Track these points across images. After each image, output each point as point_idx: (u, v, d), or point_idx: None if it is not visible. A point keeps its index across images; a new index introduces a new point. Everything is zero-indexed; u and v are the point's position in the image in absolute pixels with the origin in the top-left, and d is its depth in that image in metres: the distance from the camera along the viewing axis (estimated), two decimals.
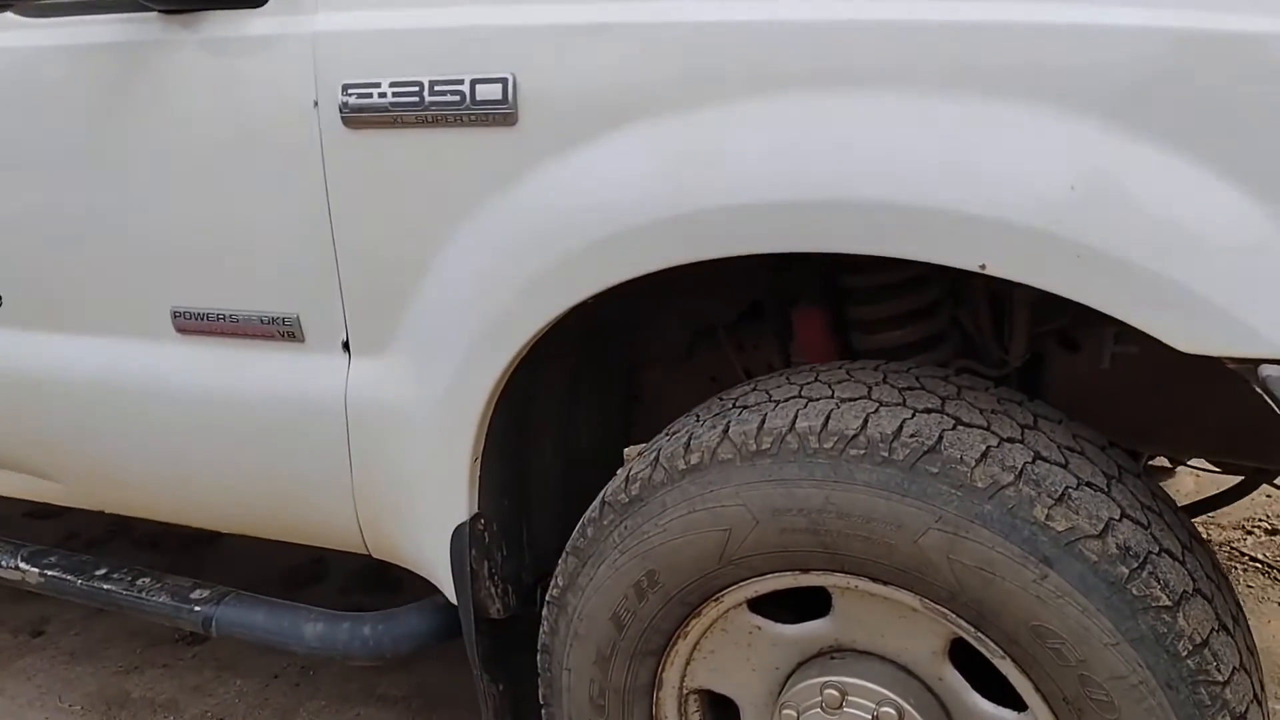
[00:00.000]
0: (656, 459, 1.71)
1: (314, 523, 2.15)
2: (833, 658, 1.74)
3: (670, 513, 1.67)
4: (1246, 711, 1.46)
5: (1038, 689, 1.53)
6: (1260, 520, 3.39)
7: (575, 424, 2.22)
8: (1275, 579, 3.02)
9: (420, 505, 1.93)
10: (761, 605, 1.75)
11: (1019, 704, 1.61)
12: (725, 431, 1.65)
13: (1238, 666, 1.48)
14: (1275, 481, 2.08)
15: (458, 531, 1.89)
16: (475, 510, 1.90)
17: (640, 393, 2.43)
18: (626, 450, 2.50)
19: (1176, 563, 1.50)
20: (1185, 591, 1.47)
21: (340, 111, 1.77)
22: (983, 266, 1.39)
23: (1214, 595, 1.53)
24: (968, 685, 1.65)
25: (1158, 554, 1.48)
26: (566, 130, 1.61)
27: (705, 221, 1.50)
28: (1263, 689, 1.54)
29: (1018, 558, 1.46)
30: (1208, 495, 2.23)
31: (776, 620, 1.76)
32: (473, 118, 1.67)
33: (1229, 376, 1.90)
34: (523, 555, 2.07)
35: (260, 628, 2.29)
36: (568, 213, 1.63)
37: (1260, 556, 3.19)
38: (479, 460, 1.86)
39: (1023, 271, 1.38)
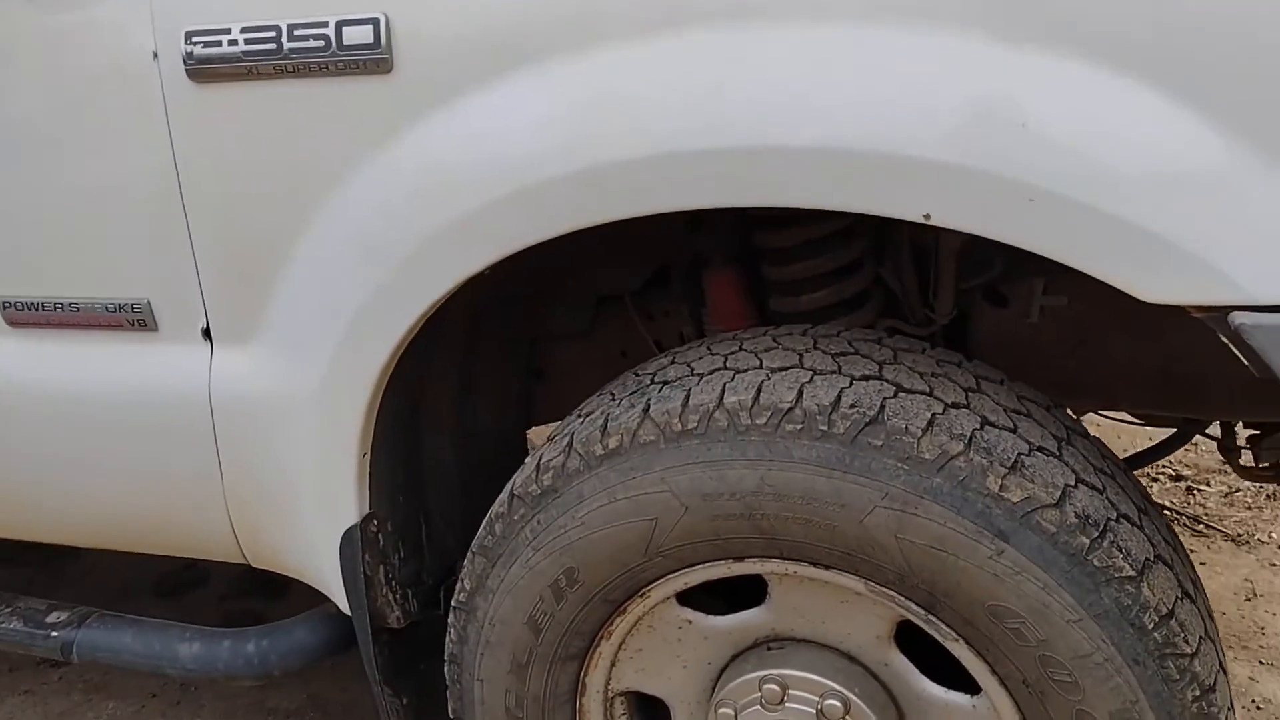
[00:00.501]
0: (570, 445, 1.53)
1: (183, 532, 1.92)
2: (770, 649, 1.60)
3: (588, 504, 1.50)
4: (1215, 683, 1.37)
5: (994, 671, 1.42)
6: (1165, 467, 3.40)
7: (472, 408, 2.03)
8: (1184, 525, 3.04)
9: (304, 508, 1.72)
10: (690, 597, 1.60)
11: (971, 686, 1.50)
12: (646, 411, 1.48)
13: (1203, 635, 1.39)
14: (1206, 431, 2.03)
15: (348, 535, 1.69)
16: (367, 510, 1.70)
17: (542, 370, 2.25)
18: (530, 432, 2.32)
19: (1135, 528, 1.40)
20: (1147, 559, 1.37)
21: (184, 63, 1.54)
22: (926, 217, 1.25)
23: (1173, 560, 1.44)
24: (915, 670, 1.54)
25: (1116, 520, 1.38)
26: (450, 76, 1.41)
27: (620, 176, 1.32)
28: (1223, 655, 1.46)
29: (971, 533, 1.34)
30: (1139, 450, 2.17)
31: (707, 612, 1.61)
32: (340, 65, 1.45)
33: (1163, 325, 1.83)
34: (422, 556, 1.88)
35: (128, 651, 2.04)
36: (457, 171, 1.43)
37: (1168, 504, 3.20)
38: (369, 455, 1.66)
39: (970, 220, 1.25)
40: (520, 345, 2.14)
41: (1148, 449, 2.15)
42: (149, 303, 1.71)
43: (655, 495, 1.46)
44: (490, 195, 1.40)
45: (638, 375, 1.62)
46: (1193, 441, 3.24)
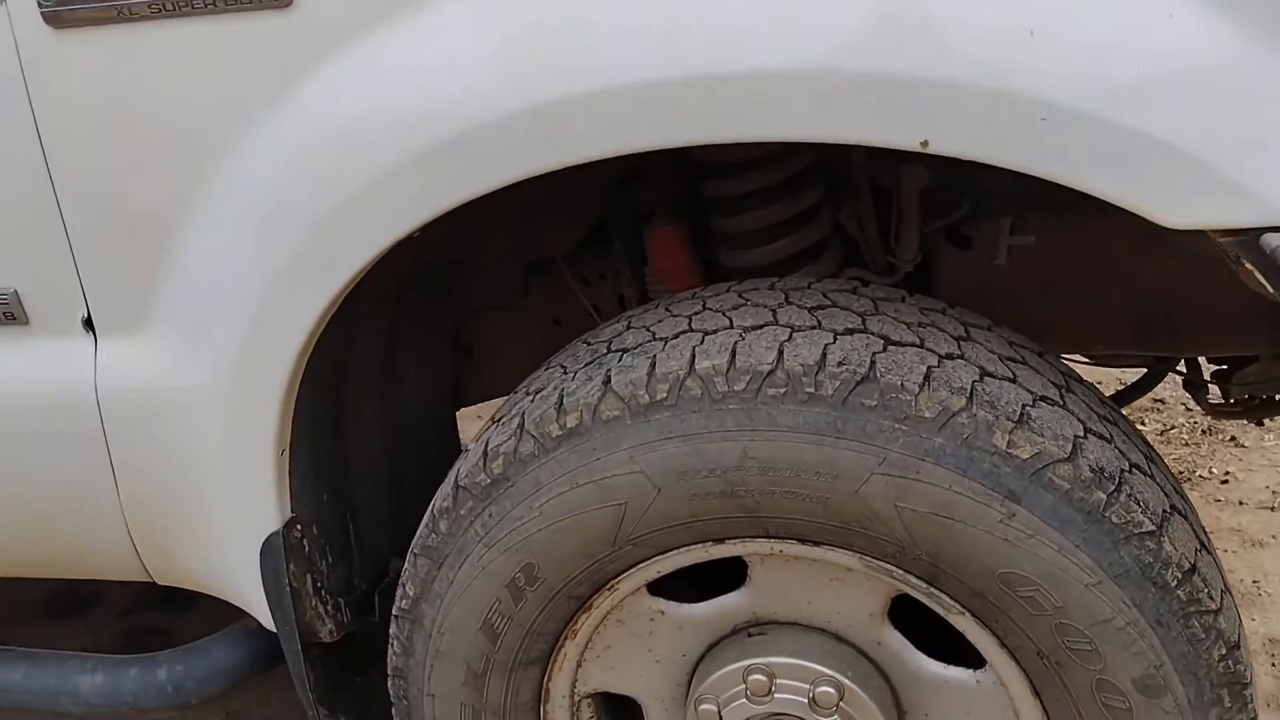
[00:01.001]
0: (521, 426, 1.36)
1: (76, 551, 1.69)
2: (750, 635, 1.46)
3: (546, 491, 1.33)
4: (1239, 639, 1.27)
5: (1003, 644, 1.31)
6: None
7: (398, 391, 1.83)
8: None
9: (215, 517, 1.51)
10: (661, 585, 1.45)
11: (974, 660, 1.38)
12: (606, 383, 1.32)
13: (1224, 588, 1.29)
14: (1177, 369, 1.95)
15: (269, 544, 1.49)
16: (289, 514, 1.50)
17: (470, 345, 2.06)
18: (459, 413, 2.13)
19: (1148, 478, 1.29)
20: (1164, 511, 1.26)
21: (39, 6, 1.30)
22: (924, 144, 1.11)
23: (1186, 510, 1.33)
24: (912, 647, 1.41)
25: (1129, 471, 1.27)
26: (364, 6, 1.21)
27: (573, 115, 1.15)
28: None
29: (980, 496, 1.21)
30: (1115, 392, 2.09)
31: (680, 599, 1.46)
32: (229, 1, 1.24)
33: (1137, 262, 1.73)
34: (352, 559, 1.68)
35: (19, 689, 1.80)
36: (378, 118, 1.24)
37: None
38: (287, 452, 1.45)
39: (973, 145, 1.11)
40: (445, 319, 1.95)
41: (1121, 391, 2.07)
42: (16, 292, 1.47)
43: (623, 477, 1.30)
44: (422, 143, 1.21)
45: (590, 344, 1.45)
46: (1120, 379, 3.22)
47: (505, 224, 1.80)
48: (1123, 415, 1.43)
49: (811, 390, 1.24)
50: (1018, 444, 1.21)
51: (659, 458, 1.28)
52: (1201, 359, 1.95)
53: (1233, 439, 3.05)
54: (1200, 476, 2.88)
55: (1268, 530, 2.62)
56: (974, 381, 1.25)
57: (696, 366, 1.28)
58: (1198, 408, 3.03)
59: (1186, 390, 1.98)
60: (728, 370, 1.27)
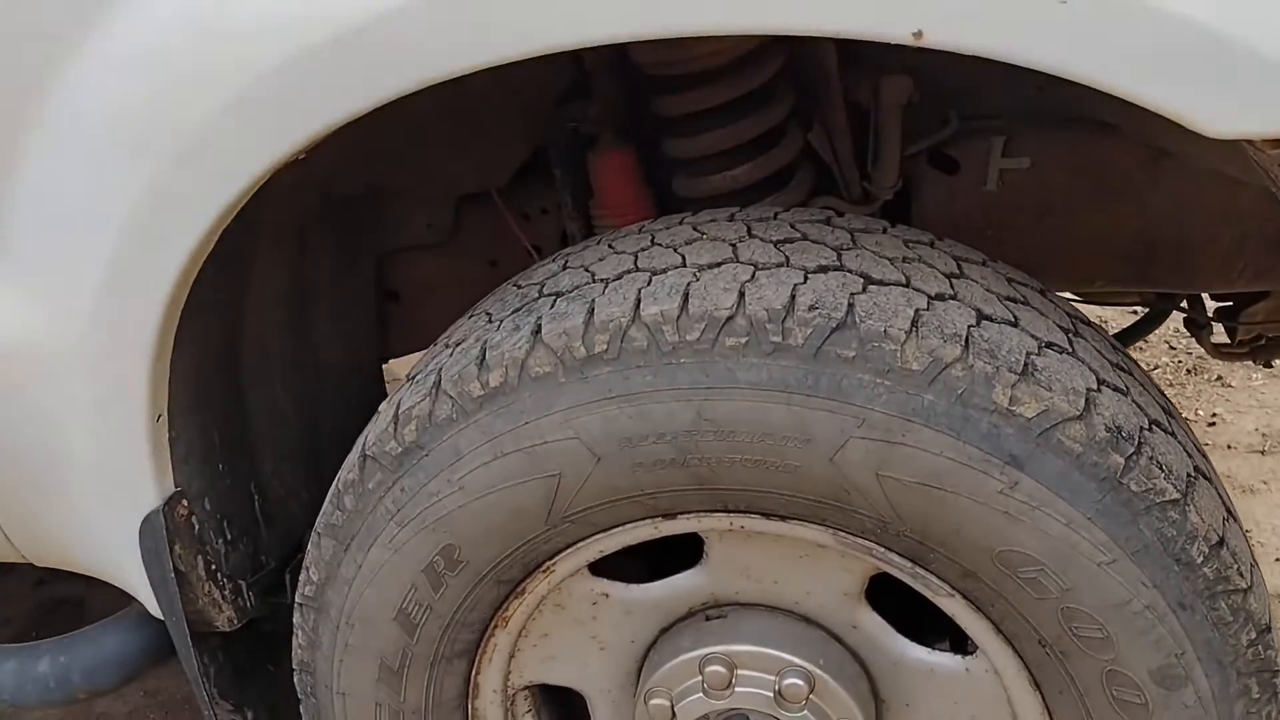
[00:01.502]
0: (438, 385, 1.15)
1: None
2: (708, 618, 1.27)
3: (467, 462, 1.13)
4: (1270, 621, 1.10)
5: (999, 630, 1.13)
6: None
7: (311, 342, 1.61)
8: None
9: (84, 492, 1.30)
10: (606, 562, 1.25)
11: (961, 642, 1.21)
12: (536, 333, 1.11)
13: (1253, 563, 1.12)
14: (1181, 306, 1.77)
15: (148, 523, 1.28)
16: (172, 489, 1.29)
17: (398, 290, 1.85)
18: (387, 366, 1.92)
19: (1169, 436, 1.11)
20: (1189, 475, 1.08)
21: None
22: (916, 35, 0.90)
23: (1209, 471, 1.15)
24: (891, 629, 1.23)
25: (1149, 429, 1.08)
26: None
27: (488, 3, 0.92)
28: None
29: (976, 462, 1.02)
30: (1117, 331, 1.91)
31: (627, 579, 1.27)
32: None
33: (1146, 186, 1.54)
34: (258, 535, 1.48)
35: None
36: (245, 12, 1.01)
37: None
38: (164, 417, 1.24)
39: (975, 35, 0.90)
40: (367, 260, 1.73)
41: (1119, 334, 1.89)
42: None
43: (557, 444, 1.10)
44: (303, 41, 0.98)
45: (520, 288, 1.24)
46: (1106, 320, 3.05)
47: (430, 152, 1.58)
48: (1136, 362, 1.24)
49: (778, 339, 1.04)
50: (1022, 400, 1.02)
51: (598, 421, 1.08)
52: (1205, 296, 1.77)
53: (1219, 379, 2.90)
54: (1186, 419, 2.72)
55: (1258, 475, 2.48)
56: (969, 326, 1.06)
57: (642, 313, 1.07)
58: (1182, 346, 2.88)
59: (1188, 330, 1.80)
60: (679, 317, 1.06)
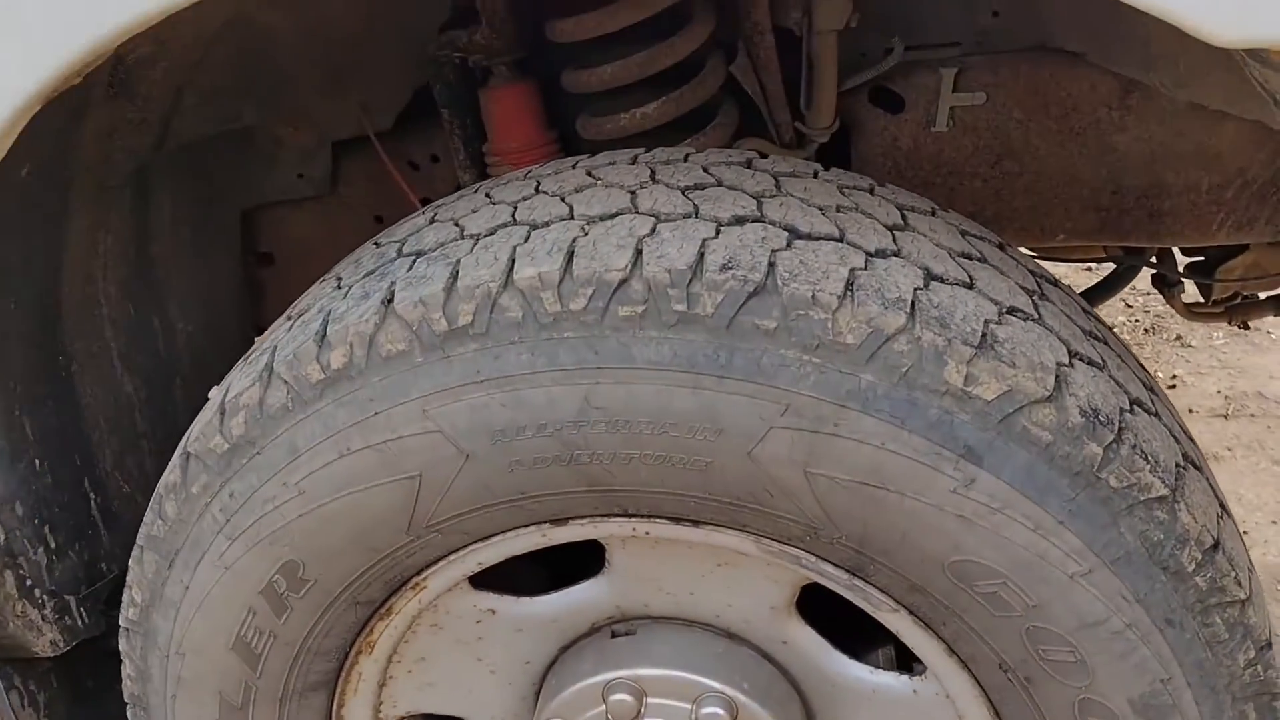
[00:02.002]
0: (269, 368, 0.94)
1: None
2: (615, 635, 1.08)
3: (307, 460, 0.92)
4: (1269, 638, 0.93)
5: (952, 651, 0.94)
6: None
7: (161, 314, 1.39)
8: None
9: None
10: (494, 572, 1.05)
11: (906, 658, 1.03)
12: (388, 303, 0.90)
13: (1250, 567, 0.94)
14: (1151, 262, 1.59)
15: None
16: None
17: (271, 251, 1.62)
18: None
19: (1153, 417, 0.93)
20: (1177, 465, 0.90)
21: None
22: None
23: (1199, 459, 0.98)
24: (827, 645, 1.05)
25: (1130, 410, 0.90)
26: None
27: None
28: None
29: (924, 455, 0.84)
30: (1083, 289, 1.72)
31: (518, 591, 1.08)
32: None
33: (1117, 125, 1.35)
34: (95, 539, 1.27)
35: None
36: None
37: None
38: None
39: None
40: (229, 216, 1.50)
41: (1084, 292, 1.71)
42: None
43: (415, 439, 0.89)
44: None
45: (379, 246, 1.03)
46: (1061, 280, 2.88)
47: (293, 89, 1.36)
48: (1110, 329, 1.06)
49: (682, 308, 0.84)
50: (979, 379, 0.83)
51: (464, 411, 0.88)
52: (1176, 251, 1.60)
53: (1179, 338, 2.75)
54: None
55: (1221, 441, 2.33)
56: (916, 289, 0.87)
57: (516, 276, 0.87)
58: (1139, 304, 2.73)
59: (1157, 288, 1.63)
60: (561, 281, 0.86)
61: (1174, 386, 2.59)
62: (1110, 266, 1.68)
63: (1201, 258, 1.58)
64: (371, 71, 1.39)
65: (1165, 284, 1.61)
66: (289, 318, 1.01)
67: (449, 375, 0.88)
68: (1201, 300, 1.57)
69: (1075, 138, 1.33)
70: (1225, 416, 2.43)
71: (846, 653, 1.05)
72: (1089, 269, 2.35)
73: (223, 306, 1.51)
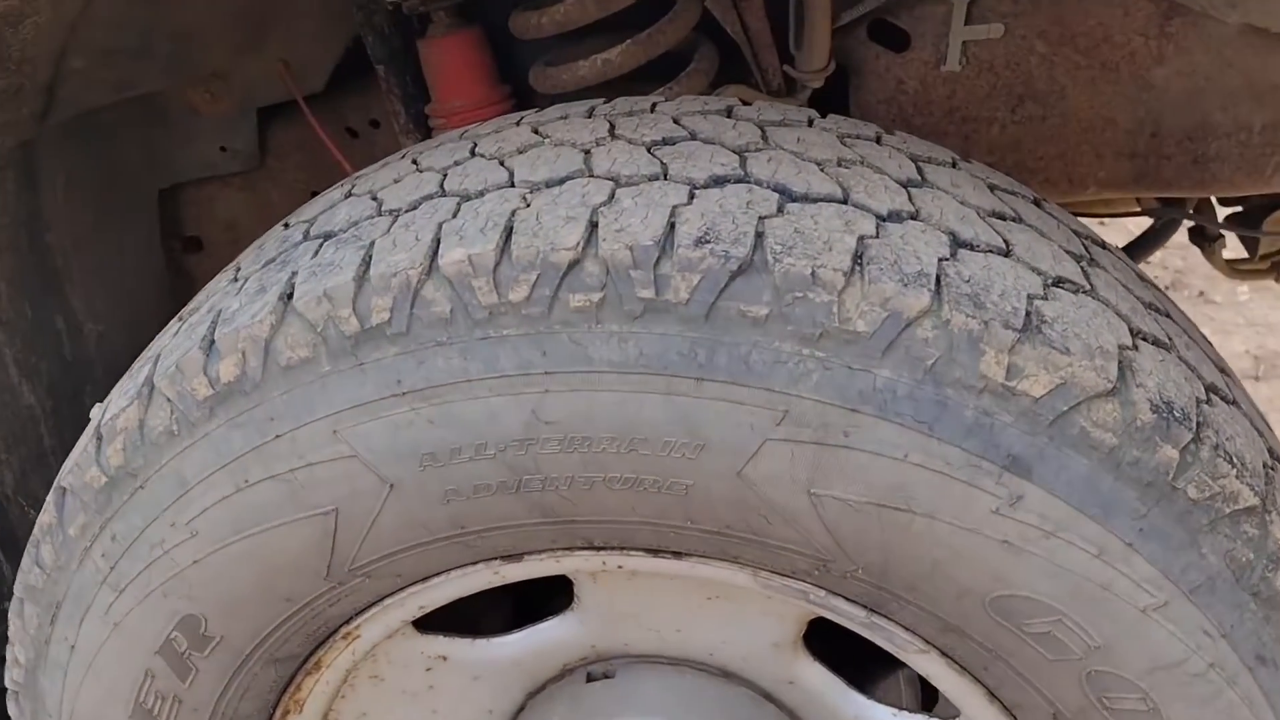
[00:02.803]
0: (150, 382, 0.77)
1: None
2: (590, 677, 0.91)
3: (199, 495, 0.75)
4: None
5: (994, 696, 0.78)
6: None
7: (64, 308, 1.21)
8: None
9: None
10: (445, 612, 0.88)
11: (926, 699, 0.87)
12: (287, 299, 0.73)
13: None
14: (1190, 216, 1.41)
15: None
16: None
17: (199, 234, 1.44)
18: None
19: (1231, 406, 0.76)
20: (1265, 465, 0.73)
21: None
22: None
23: None
24: (840, 683, 0.89)
25: (1207, 400, 0.73)
26: None
27: None
28: None
29: (959, 469, 0.67)
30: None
31: (476, 632, 0.91)
32: None
33: (1148, 55, 1.17)
34: None
35: None
36: None
37: None
38: None
39: None
40: (142, 197, 1.32)
41: (1124, 246, 1.52)
42: None
43: (326, 466, 0.72)
44: None
45: (288, 228, 0.85)
46: None
47: (205, 48, 1.18)
48: (1167, 296, 0.89)
49: (649, 294, 0.67)
50: (1025, 370, 0.66)
51: (384, 430, 0.71)
52: (1215, 201, 1.42)
53: (1201, 294, 2.57)
54: None
55: None
56: (941, 260, 0.69)
57: (441, 260, 0.69)
58: (1157, 259, 2.55)
59: (1194, 243, 1.46)
60: (497, 264, 0.68)
61: None
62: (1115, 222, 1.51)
63: (1240, 208, 1.41)
64: (294, 24, 1.21)
65: (1204, 238, 1.43)
66: (180, 318, 0.84)
67: (363, 387, 0.70)
68: (1246, 255, 1.40)
69: (1107, 73, 1.16)
70: (1256, 378, 2.26)
71: (864, 686, 0.89)
72: (1101, 224, 2.16)
73: (142, 301, 1.34)
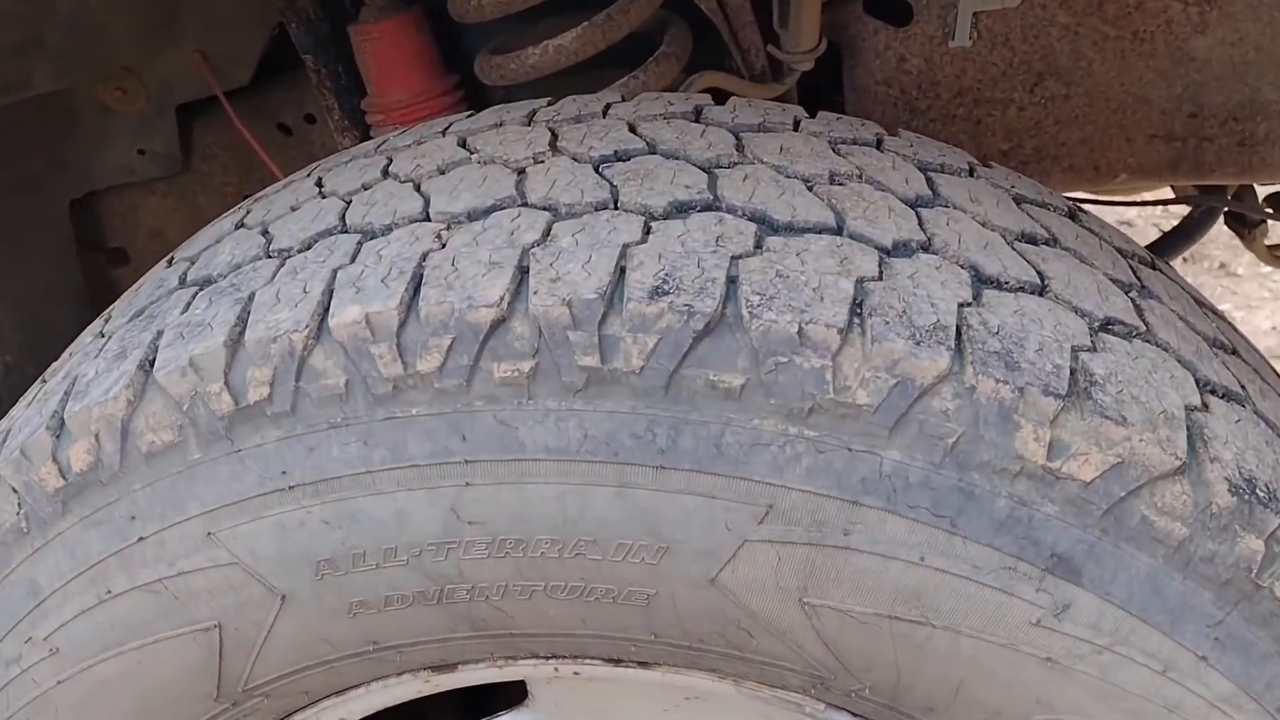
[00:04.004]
0: None
1: None
2: None
3: (56, 606, 0.62)
4: None
5: None
6: None
7: None
8: None
9: None
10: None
11: None
12: (148, 367, 0.58)
13: None
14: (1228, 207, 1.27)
15: None
16: None
17: (123, 245, 1.30)
18: None
19: None
20: None
21: None
22: None
23: None
24: None
25: None
26: None
27: None
28: None
29: (990, 573, 0.53)
30: (1149, 242, 1.40)
31: None
32: None
33: (1187, 26, 1.02)
34: None
35: None
36: None
37: None
38: None
39: None
40: (50, 209, 1.17)
41: (1154, 243, 1.37)
42: None
43: (201, 575, 0.59)
44: None
45: (170, 265, 0.71)
46: None
47: (108, 43, 1.03)
48: (1232, 323, 0.74)
49: (593, 361, 0.53)
50: (1071, 447, 0.52)
51: (269, 532, 0.57)
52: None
53: (1222, 266, 2.41)
54: None
55: None
56: (962, 305, 0.55)
57: (332, 320, 0.55)
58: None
59: (1231, 228, 1.31)
60: (402, 325, 0.54)
61: None
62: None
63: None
64: (210, 12, 1.06)
65: (1242, 223, 1.28)
66: (42, 380, 0.70)
67: (242, 480, 0.56)
68: None
69: (1140, 45, 1.01)
70: None
71: None
72: (1130, 225, 2.01)
73: (57, 323, 1.19)
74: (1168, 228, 1.46)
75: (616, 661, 0.63)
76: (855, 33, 1.02)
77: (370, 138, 1.11)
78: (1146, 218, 2.18)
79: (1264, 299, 2.29)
